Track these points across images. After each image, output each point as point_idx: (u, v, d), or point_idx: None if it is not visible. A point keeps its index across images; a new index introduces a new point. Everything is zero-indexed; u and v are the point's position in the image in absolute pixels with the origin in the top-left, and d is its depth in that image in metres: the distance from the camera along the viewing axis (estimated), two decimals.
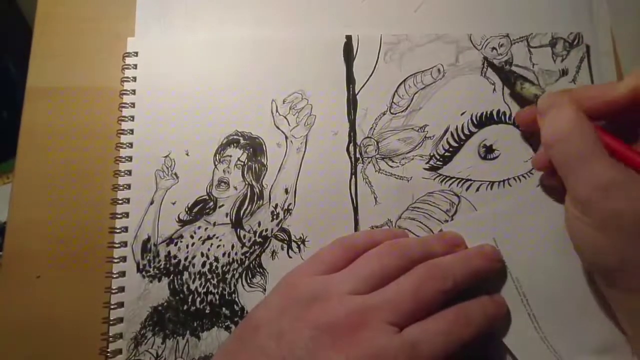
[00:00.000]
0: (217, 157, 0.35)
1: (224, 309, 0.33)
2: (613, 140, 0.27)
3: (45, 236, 0.34)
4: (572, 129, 0.26)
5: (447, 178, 0.35)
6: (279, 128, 0.36)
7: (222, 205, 0.35)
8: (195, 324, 0.32)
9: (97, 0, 0.38)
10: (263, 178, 0.35)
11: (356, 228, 0.34)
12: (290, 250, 0.34)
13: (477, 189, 0.35)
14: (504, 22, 0.38)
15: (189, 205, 0.34)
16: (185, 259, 0.34)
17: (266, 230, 0.34)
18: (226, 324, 0.33)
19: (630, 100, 0.27)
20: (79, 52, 0.37)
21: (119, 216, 0.34)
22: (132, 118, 0.36)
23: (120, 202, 0.34)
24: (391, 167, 0.35)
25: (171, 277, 0.33)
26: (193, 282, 0.33)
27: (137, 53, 0.37)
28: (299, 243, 0.34)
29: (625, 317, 0.28)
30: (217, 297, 0.33)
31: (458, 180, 0.35)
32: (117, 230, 0.34)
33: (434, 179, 0.35)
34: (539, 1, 0.38)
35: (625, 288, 0.26)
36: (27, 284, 0.33)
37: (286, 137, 0.36)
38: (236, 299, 0.33)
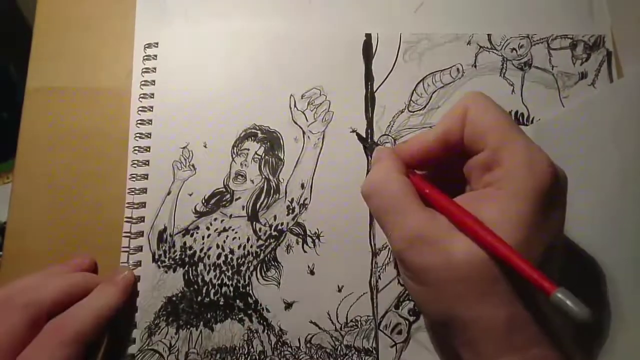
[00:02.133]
0: (235, 150, 0.36)
1: (237, 301, 0.33)
2: (432, 190, 0.26)
3: (45, 236, 0.34)
4: (383, 183, 0.26)
5: None
6: (296, 123, 0.36)
7: (239, 197, 0.35)
8: (209, 316, 0.33)
9: (97, 0, 0.39)
10: (280, 172, 0.35)
11: (371, 225, 0.34)
12: (305, 244, 0.34)
13: None
14: (504, 20, 0.38)
15: (206, 197, 0.35)
16: (201, 250, 0.34)
17: (282, 224, 0.34)
18: (240, 316, 0.33)
19: (442, 145, 0.27)
20: (79, 52, 0.38)
21: (135, 206, 0.34)
22: (151, 108, 0.36)
23: (137, 192, 0.34)
24: None
25: (186, 268, 0.33)
26: (208, 273, 0.33)
27: (157, 44, 0.37)
28: (314, 238, 0.34)
29: None
30: (231, 289, 0.33)
31: None
32: (134, 220, 0.34)
33: None
34: (539, 1, 0.38)
35: (458, 344, 0.25)
36: None
37: (304, 133, 0.36)
38: (250, 291, 0.33)
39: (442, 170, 0.29)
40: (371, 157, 0.34)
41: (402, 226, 0.24)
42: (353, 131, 0.35)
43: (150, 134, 0.35)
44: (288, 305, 0.33)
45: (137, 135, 0.35)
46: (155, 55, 0.37)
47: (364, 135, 0.35)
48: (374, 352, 0.32)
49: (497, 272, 0.22)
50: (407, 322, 0.33)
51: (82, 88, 0.37)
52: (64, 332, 0.27)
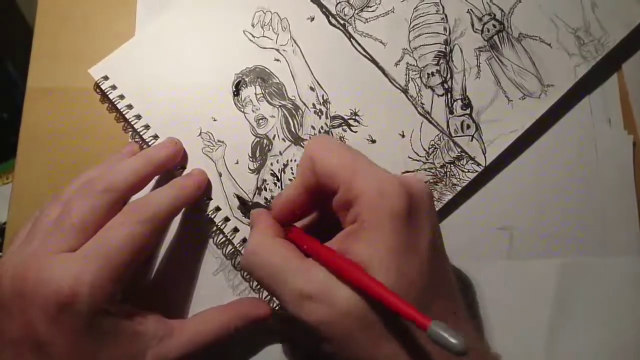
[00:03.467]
0: (239, 105, 0.37)
1: None
2: (310, 243, 0.26)
3: None
4: (259, 254, 0.26)
5: None
6: (266, 48, 0.37)
7: (274, 135, 0.36)
8: None
9: (97, 0, 0.38)
10: (287, 93, 0.37)
11: (384, 72, 0.37)
12: (351, 128, 0.36)
13: None
14: None
15: (250, 154, 0.36)
16: (281, 187, 0.35)
17: (322, 127, 0.36)
18: None
19: (305, 196, 0.28)
20: (79, 52, 0.37)
21: (205, 201, 0.35)
22: (147, 127, 0.36)
23: (212, 213, 0.34)
24: (372, 11, 0.38)
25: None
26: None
27: (107, 77, 0.36)
28: (354, 117, 0.36)
29: None
30: None
31: None
32: (211, 215, 0.34)
33: None
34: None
35: None
36: None
37: (277, 50, 0.37)
38: None
39: (327, 217, 0.29)
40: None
41: (288, 291, 0.25)
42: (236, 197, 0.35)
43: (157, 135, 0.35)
44: None
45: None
46: (114, 86, 0.36)
47: (245, 199, 0.35)
48: (464, 154, 0.36)
49: (376, 317, 0.23)
50: (467, 115, 0.36)
51: (82, 88, 0.36)
52: (141, 211, 0.29)
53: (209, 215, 0.34)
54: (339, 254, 0.24)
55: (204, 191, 0.34)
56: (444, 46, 0.37)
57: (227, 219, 0.35)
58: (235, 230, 0.34)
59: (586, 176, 0.36)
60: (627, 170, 0.36)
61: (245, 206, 0.35)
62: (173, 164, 0.34)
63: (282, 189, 0.35)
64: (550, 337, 0.33)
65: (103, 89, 0.36)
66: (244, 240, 0.34)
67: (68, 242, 0.27)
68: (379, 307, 0.23)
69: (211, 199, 0.35)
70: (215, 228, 0.34)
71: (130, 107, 0.36)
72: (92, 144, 0.36)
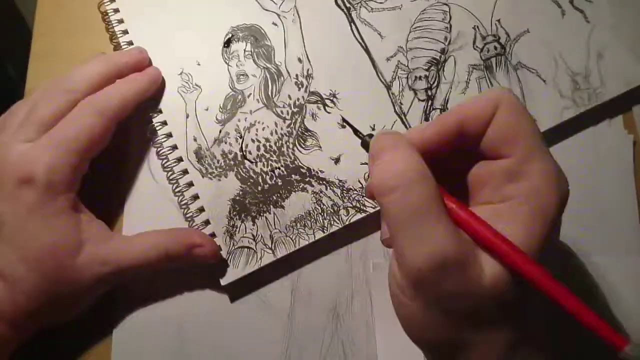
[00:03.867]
0: (226, 56, 0.37)
1: (293, 175, 0.35)
2: (456, 203, 0.22)
3: None
4: (410, 179, 0.21)
5: None
6: (267, 10, 0.38)
7: (250, 94, 0.37)
8: (275, 197, 0.35)
9: (96, 1, 0.38)
10: (274, 57, 0.37)
11: (374, 65, 0.37)
12: (326, 107, 0.36)
13: None
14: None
15: (221, 105, 0.36)
16: (240, 150, 0.35)
17: (298, 99, 0.37)
18: (301, 186, 0.35)
19: (457, 135, 0.23)
20: (78, 52, 0.38)
21: (163, 139, 0.35)
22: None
23: (158, 126, 0.35)
24: (381, 3, 0.38)
25: (235, 170, 0.35)
26: (256, 165, 0.35)
27: (117, 9, 0.37)
28: (331, 98, 0.37)
29: None
30: (282, 169, 0.35)
31: None
32: (168, 151, 0.35)
33: None
34: None
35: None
36: None
37: (278, 15, 0.38)
38: (299, 163, 0.35)
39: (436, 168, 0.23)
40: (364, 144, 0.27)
41: (430, 242, 0.20)
42: (344, 123, 0.35)
43: None
44: (336, 160, 0.35)
45: None
46: (118, 9, 0.37)
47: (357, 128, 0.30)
48: None
49: (518, 297, 0.21)
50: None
51: None
52: (94, 104, 0.31)
53: (154, 126, 0.35)
54: (492, 227, 0.21)
55: (157, 90, 0.35)
56: (440, 54, 0.37)
57: (180, 160, 0.35)
58: (185, 172, 0.35)
59: (586, 176, 0.36)
60: (627, 170, 0.36)
61: (360, 134, 0.28)
62: (136, 70, 0.35)
63: (242, 146, 0.36)
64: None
65: (107, 10, 0.37)
66: (191, 183, 0.35)
67: (31, 135, 0.30)
68: (520, 290, 0.21)
69: (161, 112, 0.35)
70: (166, 164, 0.35)
71: (125, 32, 0.37)
72: None
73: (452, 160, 0.24)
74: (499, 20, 0.38)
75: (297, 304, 0.34)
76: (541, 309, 0.22)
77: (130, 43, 0.37)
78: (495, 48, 0.37)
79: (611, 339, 0.19)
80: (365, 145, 0.26)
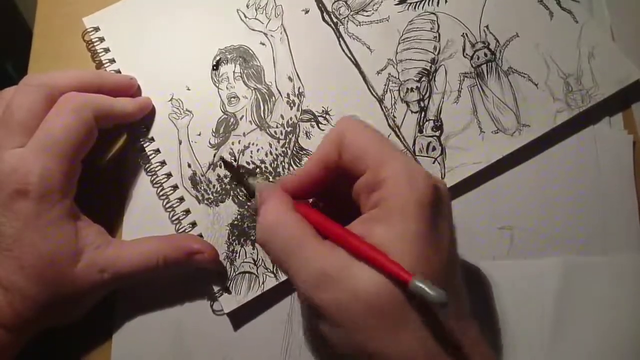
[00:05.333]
0: (216, 79, 0.37)
1: None
2: (325, 221, 0.25)
3: None
4: (275, 227, 0.25)
5: (417, 2, 0.38)
6: (255, 30, 0.38)
7: (242, 116, 0.36)
8: None
9: (96, 1, 0.38)
10: (264, 77, 0.37)
11: (365, 79, 0.37)
12: (319, 125, 0.36)
13: (446, 1, 0.38)
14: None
15: (214, 129, 0.36)
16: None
17: (291, 118, 0.36)
18: None
19: (323, 171, 0.27)
20: (78, 53, 0.37)
21: (157, 167, 0.35)
22: None
23: (151, 154, 0.35)
24: (368, 16, 0.38)
25: (232, 193, 0.35)
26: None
27: (98, 28, 0.37)
28: (324, 115, 0.36)
29: None
30: None
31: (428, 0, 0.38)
32: (163, 179, 0.35)
33: (408, 9, 0.38)
34: None
35: None
36: None
37: (265, 34, 0.38)
38: None
39: (335, 198, 0.28)
40: (242, 184, 0.33)
41: (305, 267, 0.23)
42: (221, 160, 0.35)
43: None
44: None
45: None
46: (102, 38, 0.37)
47: (229, 161, 0.35)
48: None
49: (403, 298, 0.22)
50: (435, 137, 0.36)
51: None
52: (74, 100, 0.30)
53: (146, 154, 0.35)
54: (355, 234, 0.23)
55: (148, 117, 0.35)
56: (430, 65, 0.37)
57: (175, 187, 0.35)
58: (181, 199, 0.35)
59: (586, 176, 0.36)
60: (627, 170, 0.36)
61: (229, 166, 0.34)
62: (120, 93, 0.34)
63: (238, 168, 0.35)
64: (551, 336, 0.33)
65: (92, 39, 0.37)
66: (188, 211, 0.34)
67: (15, 140, 0.29)
68: (399, 295, 0.22)
69: (153, 140, 0.35)
70: (161, 192, 0.35)
71: (112, 61, 0.37)
72: None
73: (340, 187, 0.27)
74: (487, 27, 0.37)
75: (296, 302, 0.34)
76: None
77: (117, 72, 0.37)
78: (485, 55, 0.37)
79: (400, 274, 0.21)
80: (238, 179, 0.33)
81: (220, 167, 0.35)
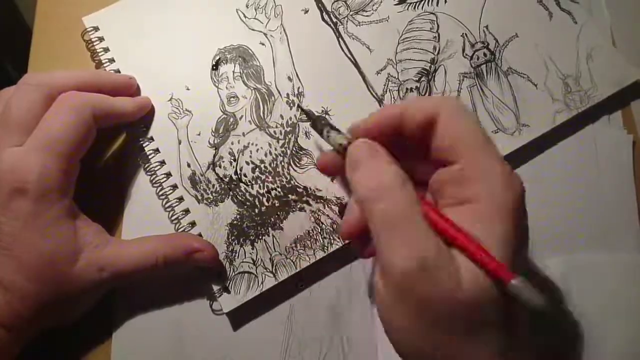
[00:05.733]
0: (215, 79, 0.37)
1: (290, 196, 0.35)
2: (430, 207, 0.23)
3: None
4: (392, 188, 0.23)
5: (417, 2, 0.38)
6: (254, 30, 0.38)
7: (242, 116, 0.36)
8: (272, 219, 0.34)
9: (96, 1, 0.38)
10: (264, 77, 0.37)
11: (364, 79, 0.37)
12: None
13: (446, 1, 0.38)
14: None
15: (213, 129, 0.36)
16: (235, 173, 0.35)
17: (290, 118, 0.36)
18: (299, 206, 0.35)
19: (397, 126, 0.25)
20: (77, 53, 0.37)
21: (156, 167, 0.35)
22: None
23: (150, 154, 0.35)
24: (367, 16, 0.38)
25: (231, 193, 0.35)
26: (252, 188, 0.35)
27: (97, 27, 0.37)
28: (324, 115, 0.36)
29: None
30: (279, 189, 0.35)
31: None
32: (162, 179, 0.35)
33: (408, 9, 0.38)
34: None
35: None
36: None
37: (265, 34, 0.38)
38: (296, 183, 0.35)
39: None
40: (320, 132, 0.30)
41: (411, 245, 0.21)
42: (299, 107, 0.35)
43: None
44: (333, 177, 0.35)
45: None
46: (102, 37, 0.37)
47: (308, 112, 0.33)
48: None
49: (499, 299, 0.21)
50: None
51: None
52: (73, 99, 0.30)
53: (146, 154, 0.35)
54: (463, 230, 0.22)
55: (148, 117, 0.35)
56: (429, 65, 0.37)
57: (175, 187, 0.35)
58: (181, 199, 0.34)
59: (586, 175, 0.36)
60: (627, 170, 0.36)
61: (311, 118, 0.32)
62: (119, 92, 0.34)
63: (237, 169, 0.35)
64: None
65: (91, 38, 0.37)
66: (187, 210, 0.34)
67: (14, 139, 0.29)
68: (501, 295, 0.21)
69: (152, 140, 0.35)
70: (161, 192, 0.35)
71: (112, 60, 0.37)
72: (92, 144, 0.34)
73: (416, 172, 0.25)
74: (487, 27, 0.38)
75: (297, 303, 0.34)
76: (525, 310, 0.22)
77: (117, 71, 0.37)
78: (485, 55, 0.37)
79: (500, 274, 0.20)
80: (315, 126, 0.31)
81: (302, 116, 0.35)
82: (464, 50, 0.37)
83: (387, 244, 0.22)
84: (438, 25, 0.38)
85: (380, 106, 0.36)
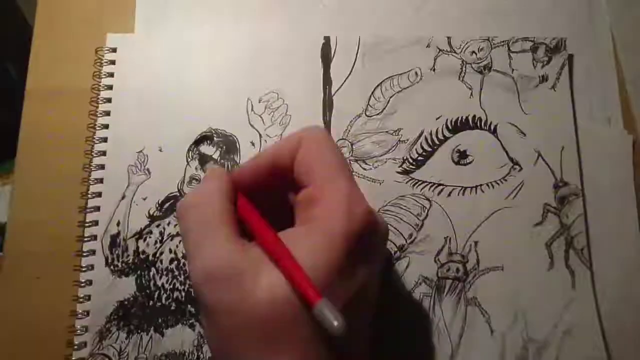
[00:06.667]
0: (190, 154, 0.35)
1: (189, 306, 0.33)
2: (254, 215, 0.24)
3: (45, 236, 0.34)
4: (199, 204, 0.24)
5: (419, 182, 0.35)
6: (253, 126, 0.36)
7: None
8: (160, 320, 0.32)
9: (97, 1, 0.39)
10: None
11: None
12: None
13: (449, 194, 0.34)
14: (500, 23, 0.38)
15: (160, 202, 0.34)
16: (154, 254, 0.34)
17: None
18: (191, 321, 0.32)
19: (271, 171, 0.26)
20: (78, 53, 0.37)
21: (89, 209, 0.34)
22: (108, 113, 0.36)
23: (91, 195, 0.34)
24: (364, 169, 0.35)
25: (138, 273, 0.33)
26: (160, 278, 0.33)
27: (115, 49, 0.37)
28: None
29: None
30: (183, 294, 0.33)
31: (430, 184, 0.34)
32: (88, 224, 0.34)
33: (406, 183, 0.35)
34: (539, 1, 0.38)
35: None
36: (27, 285, 0.33)
37: (260, 136, 0.36)
38: None
39: (278, 203, 0.27)
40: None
41: (205, 255, 0.22)
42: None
43: (106, 138, 0.35)
44: None
45: (88, 139, 0.35)
46: (113, 61, 0.37)
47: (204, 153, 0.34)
48: None
49: (298, 312, 0.20)
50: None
51: (82, 89, 0.36)
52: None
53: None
54: (278, 239, 0.22)
55: None
56: (396, 250, 0.33)
57: (94, 237, 0.34)
58: (93, 252, 0.33)
59: (586, 176, 0.35)
60: (627, 170, 0.35)
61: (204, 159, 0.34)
62: None
63: (157, 252, 0.34)
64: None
65: (102, 57, 0.37)
66: (92, 266, 0.33)
67: None
68: (301, 305, 0.20)
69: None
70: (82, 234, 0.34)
71: (109, 87, 0.36)
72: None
73: (283, 194, 0.27)
74: (476, 243, 0.34)
75: None
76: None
77: (109, 100, 0.36)
78: (458, 270, 0.33)
79: (309, 294, 0.20)
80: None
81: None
82: (439, 253, 0.33)
83: (188, 258, 0.23)
84: (427, 215, 0.34)
85: None
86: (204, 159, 0.34)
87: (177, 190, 0.35)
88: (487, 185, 0.34)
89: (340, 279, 0.21)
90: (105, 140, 0.35)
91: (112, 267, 0.33)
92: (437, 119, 0.35)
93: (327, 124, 0.36)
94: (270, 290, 0.20)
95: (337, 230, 0.22)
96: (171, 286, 0.33)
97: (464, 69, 0.36)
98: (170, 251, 0.34)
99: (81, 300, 0.33)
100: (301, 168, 0.25)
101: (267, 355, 0.20)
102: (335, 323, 0.19)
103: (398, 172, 0.35)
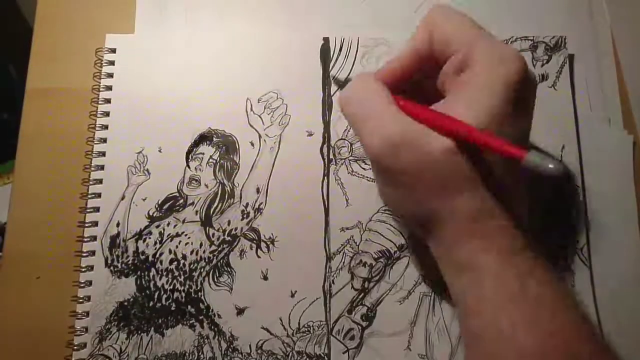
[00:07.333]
0: (190, 155, 0.35)
1: (189, 306, 0.33)
2: (407, 101, 0.26)
3: (45, 237, 0.34)
4: (361, 90, 0.27)
5: None
6: (252, 127, 0.36)
7: (192, 202, 0.35)
8: (159, 321, 0.32)
9: (97, 1, 0.39)
10: (235, 176, 0.35)
11: (326, 229, 0.34)
12: (259, 249, 0.34)
13: None
14: (503, 23, 0.38)
15: (159, 202, 0.34)
16: (154, 255, 0.34)
17: (236, 229, 0.34)
18: (191, 321, 0.32)
19: (416, 61, 0.27)
20: (78, 53, 0.37)
21: (89, 210, 0.34)
22: (108, 114, 0.36)
23: (91, 196, 0.34)
24: (364, 169, 0.35)
25: (138, 274, 0.33)
26: (160, 279, 0.33)
27: (115, 50, 0.37)
28: (268, 243, 0.34)
29: (446, 269, 0.27)
30: (183, 294, 0.33)
31: None
32: (87, 225, 0.34)
33: None
34: (540, 1, 0.39)
35: (437, 238, 0.26)
36: (27, 285, 0.33)
37: (260, 136, 0.36)
38: (202, 297, 0.33)
39: (418, 93, 0.28)
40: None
41: (381, 131, 0.24)
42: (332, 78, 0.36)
43: (105, 139, 0.35)
44: (240, 311, 0.33)
45: (89, 140, 0.35)
46: (113, 61, 0.37)
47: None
48: (326, 358, 0.32)
49: (470, 165, 0.23)
50: (359, 327, 0.32)
51: (82, 89, 0.36)
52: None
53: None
54: (436, 111, 0.25)
55: None
56: (396, 249, 0.34)
57: (93, 238, 0.34)
58: (92, 253, 0.33)
59: (586, 176, 0.35)
60: (627, 170, 0.36)
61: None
62: None
63: (157, 252, 0.34)
64: None
65: (102, 58, 0.37)
66: (91, 267, 0.33)
67: None
68: (470, 158, 0.24)
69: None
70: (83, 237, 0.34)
71: (109, 88, 0.36)
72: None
73: (426, 83, 0.28)
74: None
75: None
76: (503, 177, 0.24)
77: (108, 100, 0.36)
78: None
79: (512, 152, 0.21)
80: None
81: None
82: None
83: (362, 135, 0.26)
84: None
85: (325, 264, 0.33)
86: (337, 82, 0.36)
87: (176, 190, 0.35)
88: None
89: (502, 128, 0.23)
90: (104, 140, 0.35)
91: (112, 267, 0.33)
92: None
93: (327, 124, 0.36)
94: (444, 149, 0.23)
95: (493, 82, 0.23)
96: (171, 287, 0.33)
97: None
98: (170, 252, 0.34)
99: (81, 300, 0.33)
100: (441, 43, 0.26)
101: (448, 199, 0.24)
102: (551, 165, 0.20)
103: None
